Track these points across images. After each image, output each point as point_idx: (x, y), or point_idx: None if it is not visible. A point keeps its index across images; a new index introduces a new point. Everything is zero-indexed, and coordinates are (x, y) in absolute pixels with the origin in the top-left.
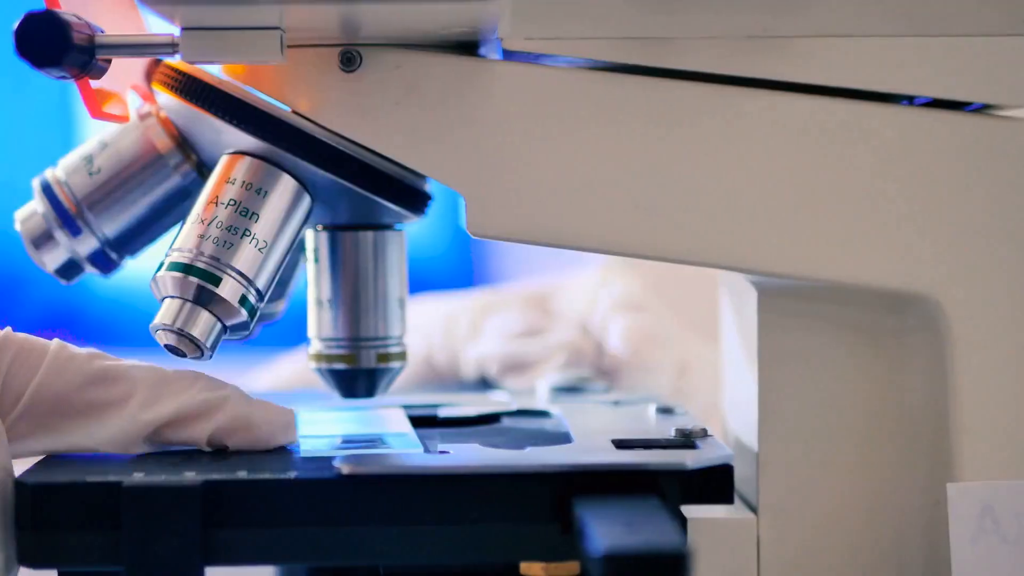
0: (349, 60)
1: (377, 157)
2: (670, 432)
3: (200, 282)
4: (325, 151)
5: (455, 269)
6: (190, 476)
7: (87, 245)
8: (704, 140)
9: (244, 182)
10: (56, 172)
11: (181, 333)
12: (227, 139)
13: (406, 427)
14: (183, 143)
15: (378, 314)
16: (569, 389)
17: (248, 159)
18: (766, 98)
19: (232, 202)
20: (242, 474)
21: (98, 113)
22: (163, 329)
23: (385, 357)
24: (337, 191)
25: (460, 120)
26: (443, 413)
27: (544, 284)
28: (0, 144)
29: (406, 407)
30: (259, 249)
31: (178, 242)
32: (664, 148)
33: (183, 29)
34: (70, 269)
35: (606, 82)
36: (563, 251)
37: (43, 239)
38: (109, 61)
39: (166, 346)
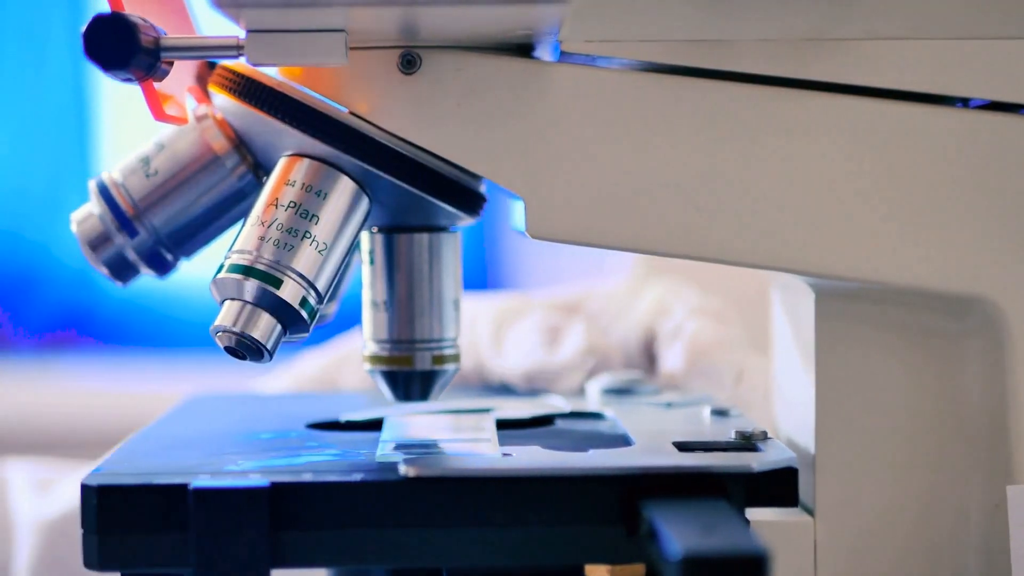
0: (410, 63)
1: (434, 158)
2: (729, 435)
3: (261, 284)
4: (385, 153)
5: (469, 272)
6: (256, 478)
7: (144, 246)
8: (761, 142)
9: (303, 184)
10: (113, 174)
11: (242, 336)
12: (285, 141)
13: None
14: (239, 144)
15: (433, 316)
16: (620, 391)
17: (307, 161)
18: (822, 100)
19: (292, 204)
20: (307, 476)
21: (161, 115)
22: (223, 332)
23: (440, 359)
24: (394, 193)
25: (519, 122)
26: (497, 415)
27: (572, 291)
28: (15, 148)
29: (457, 410)
30: (319, 251)
31: (238, 244)
32: (721, 150)
33: (248, 32)
34: (125, 271)
35: (663, 84)
36: (585, 257)
37: (99, 241)
38: (171, 63)
39: (226, 348)
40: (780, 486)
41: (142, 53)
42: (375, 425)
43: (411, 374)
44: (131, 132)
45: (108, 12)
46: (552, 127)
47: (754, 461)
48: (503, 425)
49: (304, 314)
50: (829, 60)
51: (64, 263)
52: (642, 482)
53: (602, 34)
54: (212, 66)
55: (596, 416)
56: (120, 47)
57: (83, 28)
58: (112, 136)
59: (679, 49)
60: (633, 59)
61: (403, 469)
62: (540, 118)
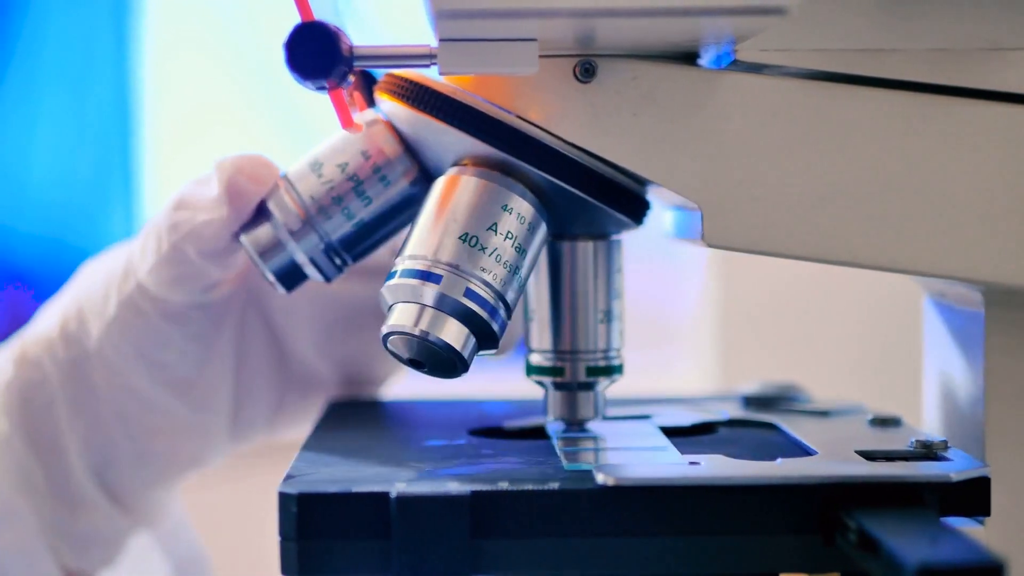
0: (588, 71)
1: (606, 166)
2: (904, 444)
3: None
4: (562, 161)
5: None
6: (454, 487)
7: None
8: (932, 150)
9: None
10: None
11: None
12: (455, 146)
13: (660, 439)
14: (408, 149)
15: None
16: (769, 399)
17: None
18: (997, 109)
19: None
20: (504, 485)
21: (350, 123)
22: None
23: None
24: (564, 200)
25: (695, 131)
26: (658, 422)
27: None
28: (58, 156)
29: (613, 417)
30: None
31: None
32: (894, 158)
33: (441, 41)
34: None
35: (835, 92)
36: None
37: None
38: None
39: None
40: (974, 496)
41: (342, 62)
42: (534, 432)
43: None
44: (174, 141)
45: (310, 21)
46: (726, 135)
47: (951, 471)
48: (664, 433)
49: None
50: (999, 69)
51: None
52: (839, 491)
53: (777, 43)
54: (366, 74)
55: (758, 424)
56: (322, 56)
57: (285, 38)
58: (155, 145)
59: (851, 58)
60: (804, 67)
61: (600, 478)
62: (714, 126)
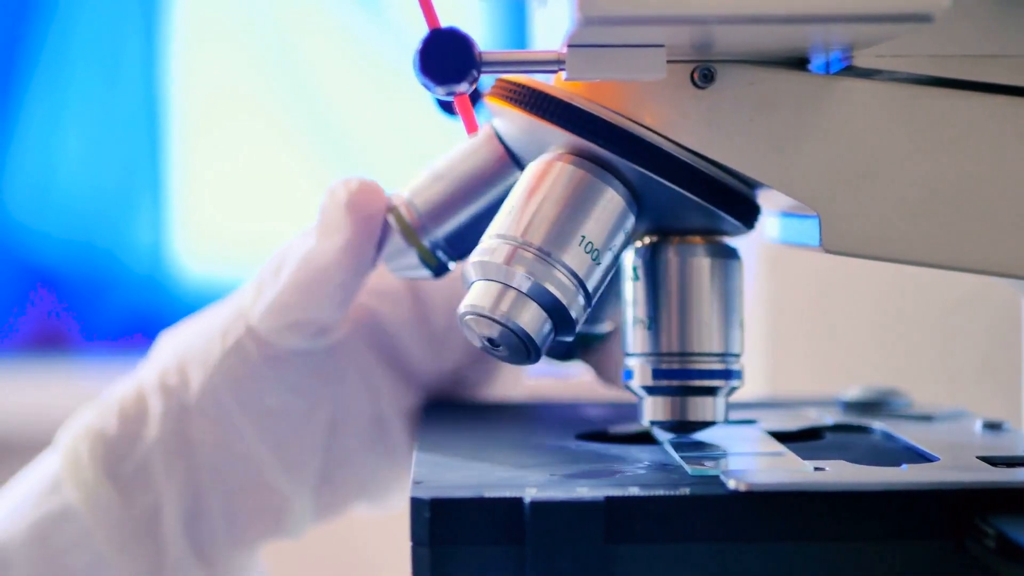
0: (707, 77)
1: (718, 170)
2: (1021, 448)
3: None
4: (678, 166)
5: None
6: (586, 492)
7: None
8: None
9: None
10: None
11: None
12: (553, 141)
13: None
14: (512, 156)
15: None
16: (869, 404)
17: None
18: None
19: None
20: (635, 490)
21: (475, 129)
22: (478, 316)
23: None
24: (675, 204)
25: (812, 136)
26: (763, 427)
27: None
28: (86, 157)
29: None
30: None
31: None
32: (1010, 163)
33: (570, 47)
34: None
35: (950, 98)
36: None
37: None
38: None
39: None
40: None
41: (475, 68)
42: (639, 437)
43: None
44: (202, 142)
45: (445, 28)
46: (842, 140)
47: None
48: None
49: (572, 313)
50: None
51: (133, 270)
52: (973, 497)
53: (894, 49)
54: None
55: (864, 429)
56: (457, 62)
57: (419, 44)
58: (183, 146)
59: (965, 63)
60: (918, 72)
61: (731, 483)
62: (831, 131)
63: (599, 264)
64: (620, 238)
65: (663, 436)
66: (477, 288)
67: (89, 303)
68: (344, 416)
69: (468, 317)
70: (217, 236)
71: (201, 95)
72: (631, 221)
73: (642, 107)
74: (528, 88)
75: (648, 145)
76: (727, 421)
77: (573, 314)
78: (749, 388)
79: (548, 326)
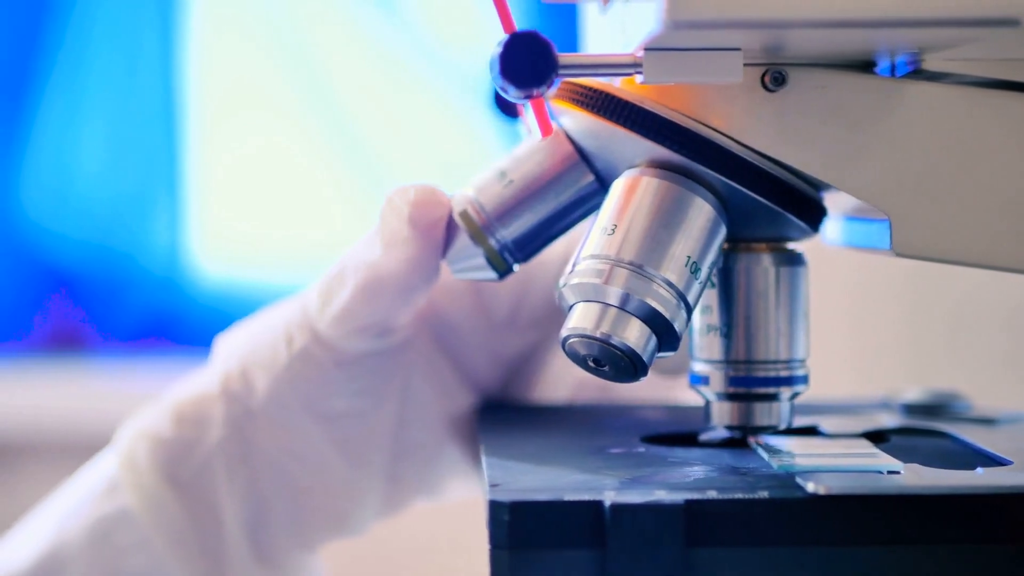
0: (778, 80)
1: (789, 174)
2: None
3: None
4: (748, 168)
5: None
6: (664, 495)
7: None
8: None
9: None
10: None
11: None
12: (634, 153)
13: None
14: (583, 156)
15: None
16: (932, 407)
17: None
18: None
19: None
20: (713, 493)
21: (550, 131)
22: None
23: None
24: (745, 206)
25: (882, 139)
26: (826, 428)
27: None
28: (103, 159)
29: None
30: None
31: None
32: None
33: (647, 50)
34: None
35: (1020, 101)
36: None
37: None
38: None
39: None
40: None
41: (554, 71)
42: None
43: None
44: (219, 144)
45: (527, 31)
46: (913, 144)
47: None
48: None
49: (676, 326)
50: None
51: (150, 271)
52: None
53: (964, 52)
54: None
55: (932, 433)
56: (538, 66)
57: (499, 48)
58: (200, 147)
59: None
60: (986, 76)
61: (810, 486)
62: (901, 135)
63: (698, 275)
64: (715, 247)
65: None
66: (577, 310)
67: (106, 304)
68: (409, 411)
69: (572, 340)
70: (234, 238)
71: (219, 97)
72: (723, 229)
73: (712, 111)
74: (608, 94)
75: (734, 156)
76: (792, 428)
77: (677, 327)
78: None
79: (653, 341)
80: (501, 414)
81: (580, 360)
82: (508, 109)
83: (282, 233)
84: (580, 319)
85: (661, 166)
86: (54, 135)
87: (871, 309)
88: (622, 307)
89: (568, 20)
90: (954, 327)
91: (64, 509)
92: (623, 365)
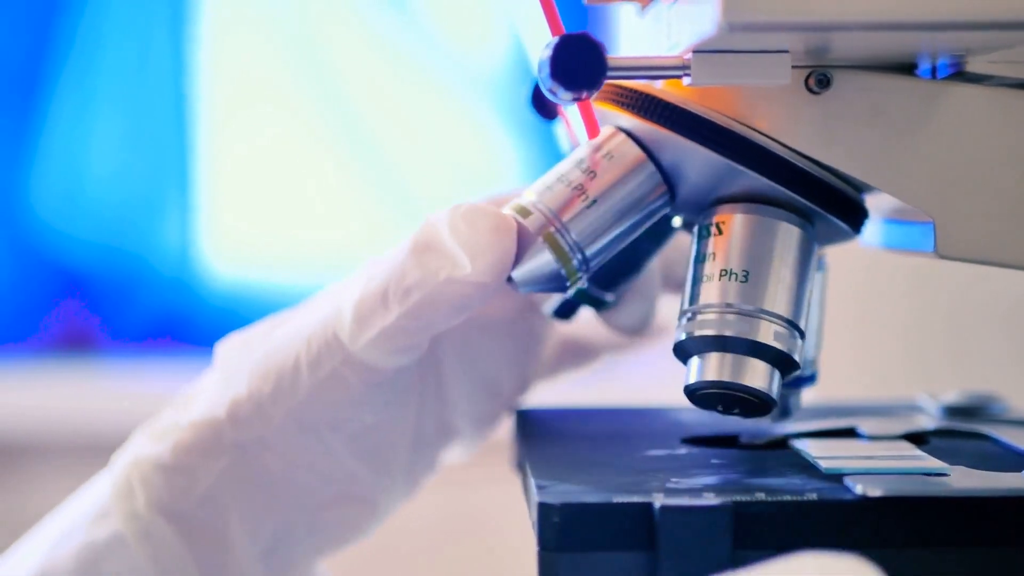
0: (822, 83)
1: (830, 174)
2: None
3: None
4: (794, 172)
5: None
6: (711, 497)
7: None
8: None
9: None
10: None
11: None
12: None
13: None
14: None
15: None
16: (971, 409)
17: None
18: None
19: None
20: (761, 495)
21: (597, 131)
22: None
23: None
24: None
25: (926, 141)
26: (863, 430)
27: None
28: (114, 160)
29: (815, 432)
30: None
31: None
32: None
33: (695, 52)
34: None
35: None
36: None
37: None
38: None
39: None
40: None
41: (604, 73)
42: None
43: None
44: (230, 146)
45: (575, 33)
46: (956, 145)
47: None
48: None
49: (795, 357)
50: None
51: (160, 272)
52: None
53: (1007, 55)
54: None
55: (969, 435)
56: (589, 67)
57: (549, 50)
58: (211, 149)
59: None
60: None
61: (859, 489)
62: (945, 137)
63: (801, 296)
64: (810, 264)
65: (798, 441)
66: (695, 365)
67: (117, 305)
68: (430, 412)
69: (698, 393)
70: (245, 239)
71: (230, 98)
72: (813, 244)
73: (756, 113)
74: (654, 97)
75: (782, 160)
76: (830, 429)
77: (796, 357)
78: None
79: (777, 376)
80: (538, 418)
81: (709, 406)
82: (545, 110)
83: (293, 234)
84: (702, 372)
85: (742, 198)
86: (64, 136)
87: (873, 309)
88: (738, 352)
89: (576, 19)
90: (955, 327)
91: (56, 533)
92: (753, 404)
